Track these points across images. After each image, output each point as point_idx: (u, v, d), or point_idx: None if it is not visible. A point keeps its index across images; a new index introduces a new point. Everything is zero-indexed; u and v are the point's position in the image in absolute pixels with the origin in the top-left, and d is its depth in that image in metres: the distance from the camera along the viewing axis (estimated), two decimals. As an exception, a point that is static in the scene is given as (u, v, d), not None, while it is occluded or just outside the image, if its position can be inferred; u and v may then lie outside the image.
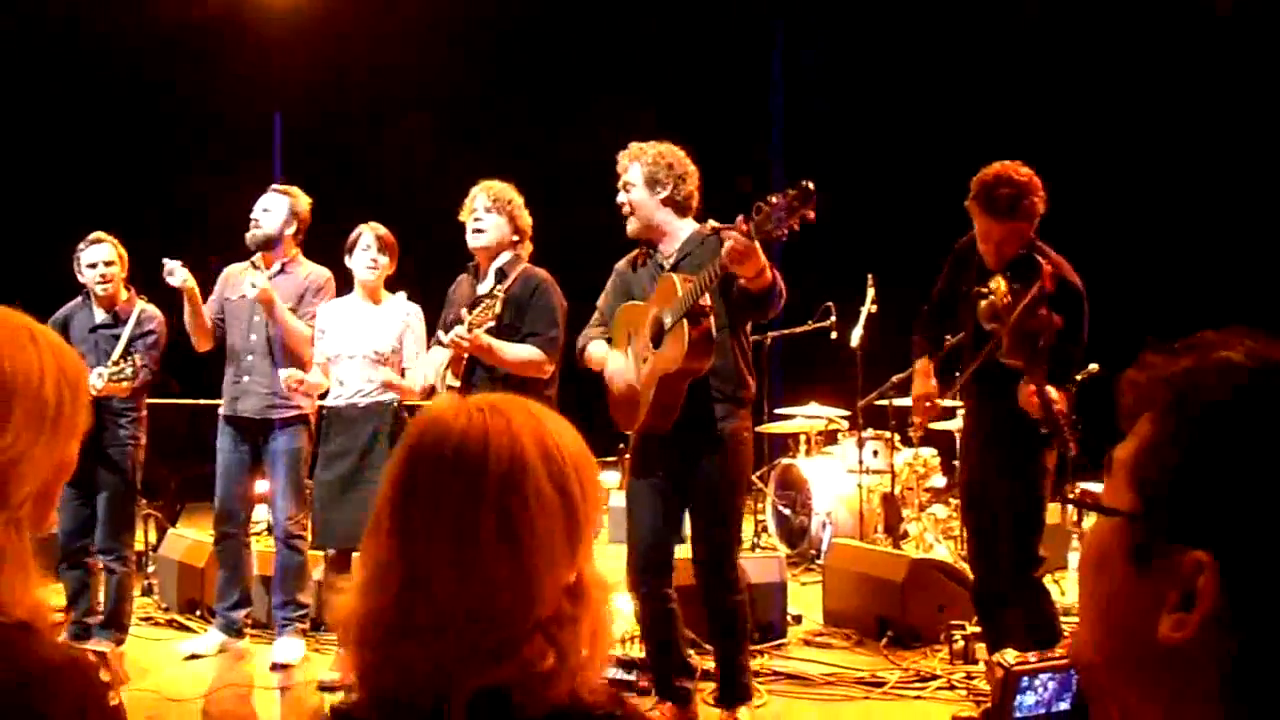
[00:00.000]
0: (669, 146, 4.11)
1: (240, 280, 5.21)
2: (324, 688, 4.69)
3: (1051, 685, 1.04)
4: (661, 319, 3.85)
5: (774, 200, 3.41)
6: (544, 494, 1.15)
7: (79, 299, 5.20)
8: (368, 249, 4.97)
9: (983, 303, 3.86)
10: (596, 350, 4.21)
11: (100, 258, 5.10)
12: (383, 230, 5.04)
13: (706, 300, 3.73)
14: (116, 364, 4.88)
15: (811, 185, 3.35)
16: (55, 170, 9.09)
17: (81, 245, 5.14)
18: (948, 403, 6.95)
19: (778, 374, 8.14)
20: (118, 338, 5.04)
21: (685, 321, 3.72)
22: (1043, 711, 1.02)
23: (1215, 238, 8.06)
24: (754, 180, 8.48)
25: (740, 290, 3.77)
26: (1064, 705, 1.03)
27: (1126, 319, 5.72)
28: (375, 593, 1.16)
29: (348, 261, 5.06)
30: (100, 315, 5.14)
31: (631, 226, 4.12)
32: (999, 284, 3.83)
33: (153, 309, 5.20)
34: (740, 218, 3.51)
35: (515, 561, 1.13)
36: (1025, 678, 1.03)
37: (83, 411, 1.29)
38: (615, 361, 4.09)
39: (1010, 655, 1.16)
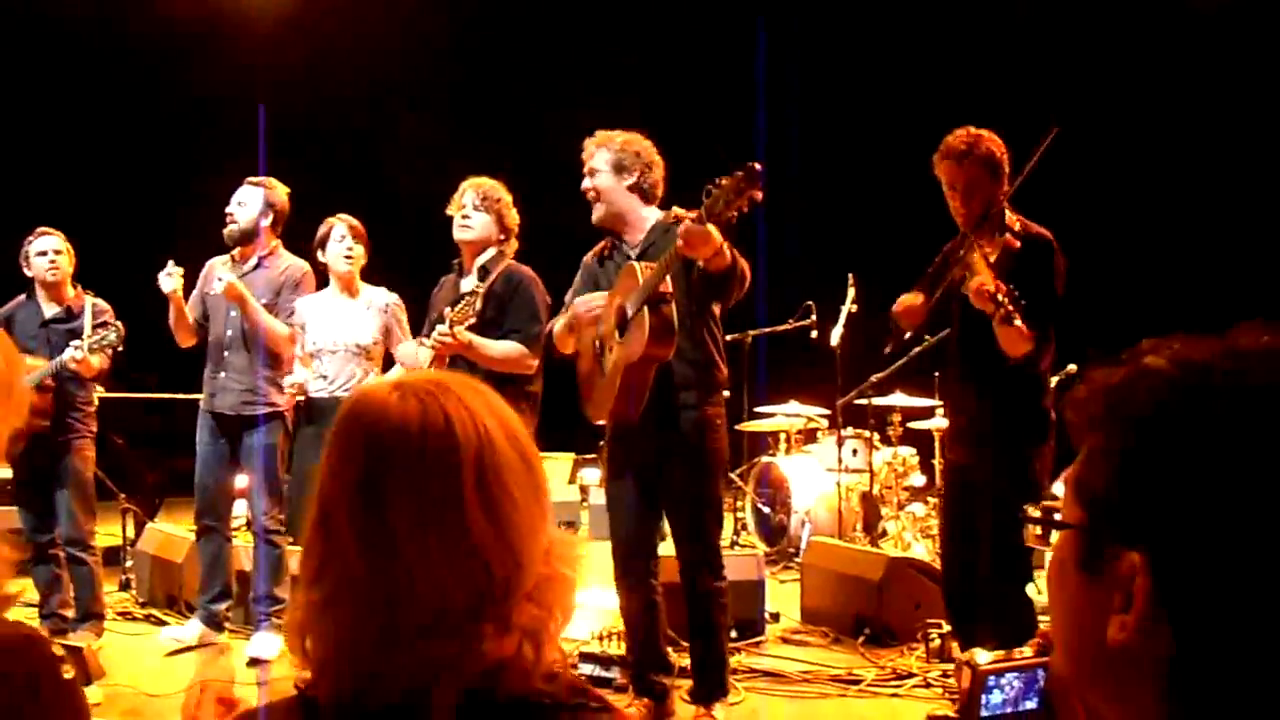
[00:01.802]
0: (636, 135, 4.13)
1: (222, 274, 5.21)
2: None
3: (1018, 684, 1.06)
4: (625, 307, 3.88)
5: (723, 182, 3.46)
6: (513, 464, 1.14)
7: (21, 297, 5.22)
8: (342, 240, 5.01)
9: (971, 282, 3.87)
10: (559, 321, 4.23)
11: (50, 246, 5.13)
12: (354, 221, 5.07)
13: (667, 286, 3.76)
14: (94, 332, 4.89)
15: (759, 166, 3.39)
16: (33, 165, 9.03)
17: (29, 238, 5.18)
18: (927, 401, 7.02)
19: (758, 373, 8.16)
20: (72, 331, 5.05)
21: (646, 309, 3.74)
22: (1010, 710, 1.04)
23: (1190, 240, 8.12)
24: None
25: (701, 273, 3.79)
26: (1030, 704, 1.05)
27: (1104, 321, 5.78)
28: (349, 606, 1.11)
29: (320, 256, 5.10)
30: (50, 310, 5.15)
31: (597, 213, 4.13)
32: (978, 262, 3.86)
33: (103, 303, 5.21)
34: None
35: (503, 538, 1.11)
36: (992, 677, 1.05)
37: (24, 387, 1.30)
38: (581, 304, 4.11)
39: (979, 655, 1.18)
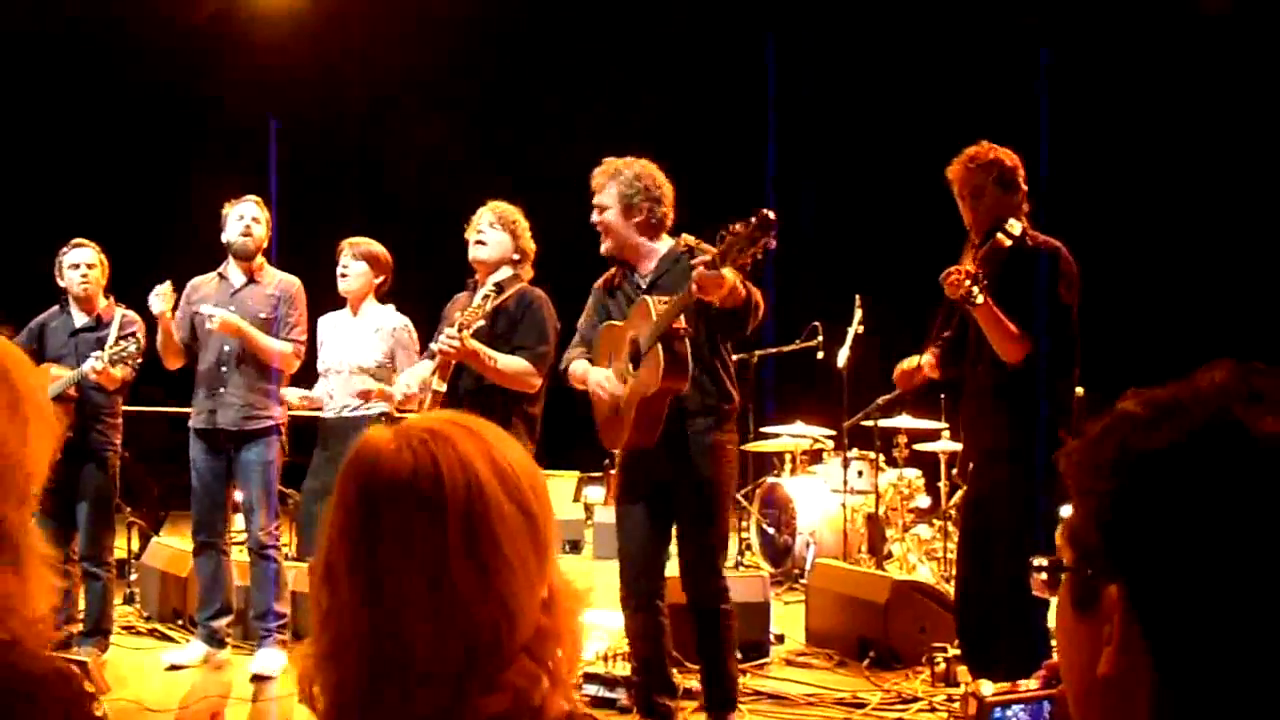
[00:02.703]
0: (645, 165, 4.11)
1: (210, 292, 5.21)
2: (305, 700, 4.68)
3: (1024, 716, 1.06)
4: (638, 341, 3.89)
5: (736, 229, 3.47)
6: (507, 516, 1.11)
7: (54, 307, 5.24)
8: (340, 260, 5.00)
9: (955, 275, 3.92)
10: (578, 368, 4.23)
11: (83, 259, 5.15)
12: (366, 247, 5.00)
13: (681, 323, 3.77)
14: (115, 345, 4.90)
15: (772, 215, 3.40)
16: (44, 177, 9.08)
17: (64, 249, 5.19)
18: (933, 423, 7.02)
19: (764, 392, 8.17)
20: (100, 341, 5.06)
21: (660, 345, 3.76)
22: (1015, 742, 1.05)
23: (1203, 262, 8.11)
24: (744, 204, 8.53)
25: (716, 310, 3.81)
26: (1036, 737, 1.06)
27: (1112, 346, 5.77)
28: (345, 657, 1.10)
29: None
30: (81, 319, 5.17)
31: (606, 246, 4.15)
32: (964, 260, 3.94)
33: (133, 314, 5.23)
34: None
35: (492, 592, 1.09)
36: (998, 709, 1.05)
37: (55, 421, 1.33)
38: (597, 374, 4.12)
39: (985, 686, 1.18)
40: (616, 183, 4.06)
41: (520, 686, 1.09)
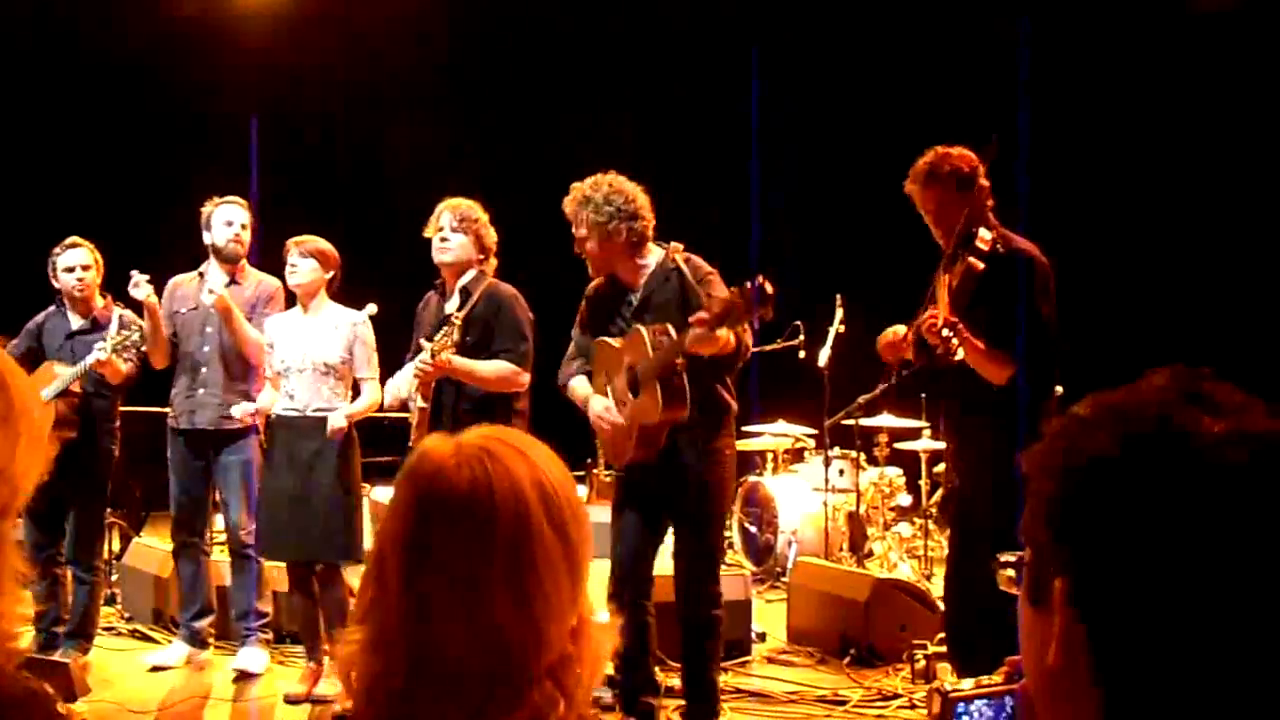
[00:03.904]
0: (612, 182, 4.06)
1: (190, 291, 5.19)
2: (290, 700, 4.69)
3: (987, 712, 1.08)
4: (635, 370, 3.92)
5: (736, 299, 3.48)
6: (549, 544, 1.17)
7: (52, 307, 5.18)
8: (288, 258, 4.94)
9: (922, 317, 3.82)
10: (580, 388, 4.24)
11: (77, 261, 5.07)
12: (313, 244, 4.88)
13: (680, 360, 3.79)
14: (119, 333, 4.84)
15: (770, 288, 3.42)
16: (24, 177, 9.03)
17: (57, 250, 5.11)
18: (914, 422, 7.06)
19: (746, 392, 8.21)
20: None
21: (658, 382, 3.79)
22: (978, 737, 1.07)
23: (1185, 256, 8.16)
24: (728, 205, 8.57)
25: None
26: (998, 732, 1.09)
27: (1090, 345, 5.81)
28: (384, 652, 1.17)
29: None
30: (76, 321, 5.13)
31: (593, 270, 4.19)
32: (940, 293, 3.80)
33: (131, 314, 5.18)
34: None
35: (526, 615, 1.15)
36: (961, 704, 1.08)
37: (47, 438, 1.32)
38: (598, 404, 4.13)
39: (950, 681, 1.20)
40: (588, 210, 4.02)
41: (539, 707, 1.15)
